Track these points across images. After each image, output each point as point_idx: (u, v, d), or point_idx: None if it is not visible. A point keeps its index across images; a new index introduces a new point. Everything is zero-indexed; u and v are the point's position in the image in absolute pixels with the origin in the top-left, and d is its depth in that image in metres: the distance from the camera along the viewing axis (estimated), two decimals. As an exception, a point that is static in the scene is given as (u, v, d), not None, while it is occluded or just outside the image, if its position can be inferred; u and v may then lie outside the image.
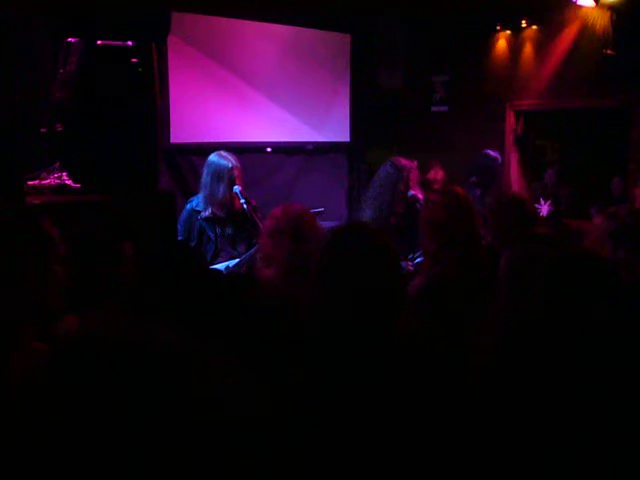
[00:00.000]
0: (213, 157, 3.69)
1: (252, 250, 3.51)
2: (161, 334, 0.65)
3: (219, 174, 3.61)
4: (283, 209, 2.52)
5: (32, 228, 1.71)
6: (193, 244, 3.65)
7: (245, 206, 3.57)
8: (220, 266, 3.57)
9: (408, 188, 3.91)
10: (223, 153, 3.70)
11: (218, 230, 3.66)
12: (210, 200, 3.68)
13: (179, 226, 3.72)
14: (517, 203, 3.00)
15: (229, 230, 3.67)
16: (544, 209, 4.28)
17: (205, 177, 3.68)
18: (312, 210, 2.85)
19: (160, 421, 0.58)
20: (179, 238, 3.71)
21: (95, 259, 2.19)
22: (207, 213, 3.68)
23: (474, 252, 2.60)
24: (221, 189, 3.59)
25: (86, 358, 0.61)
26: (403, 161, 3.96)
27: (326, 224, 3.39)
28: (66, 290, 1.77)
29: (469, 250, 2.59)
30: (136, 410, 0.58)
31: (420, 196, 3.95)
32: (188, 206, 3.74)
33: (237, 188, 3.61)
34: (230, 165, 3.62)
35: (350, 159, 6.79)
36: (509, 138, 6.06)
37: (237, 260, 3.56)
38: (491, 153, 5.01)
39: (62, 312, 1.84)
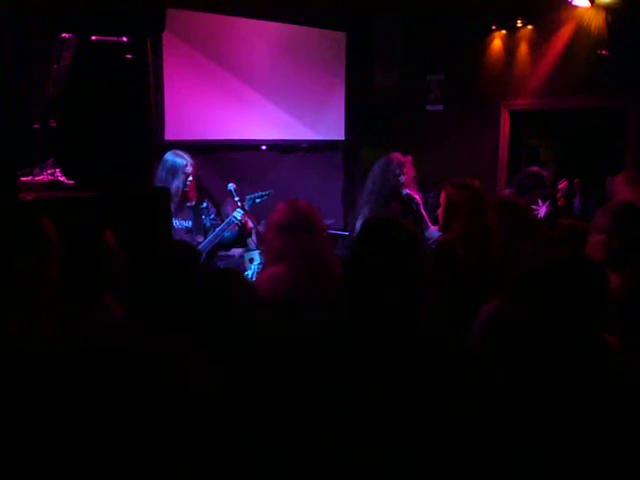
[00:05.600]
0: (169, 155, 3.93)
1: (218, 229, 3.84)
2: (148, 338, 0.64)
3: (173, 170, 3.84)
4: (291, 204, 2.52)
5: (31, 226, 1.70)
6: None
7: (239, 204, 3.72)
8: None
9: (398, 177, 3.95)
10: (178, 152, 3.95)
11: (176, 223, 3.85)
12: None
13: None
14: (511, 205, 3.06)
15: (186, 223, 3.90)
16: (542, 211, 4.23)
17: (160, 172, 3.89)
18: None
19: (151, 422, 0.57)
20: None
21: (78, 254, 2.13)
22: None
23: (483, 238, 2.67)
24: (175, 183, 3.82)
25: (74, 366, 0.59)
26: (396, 154, 4.02)
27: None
28: (57, 288, 1.74)
29: (477, 233, 2.66)
30: (126, 414, 0.57)
31: (415, 195, 3.95)
32: None
33: (231, 185, 3.81)
34: (184, 162, 3.86)
35: (345, 157, 6.78)
36: (504, 137, 6.07)
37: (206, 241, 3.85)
38: (535, 169, 4.70)
39: (48, 310, 1.80)
